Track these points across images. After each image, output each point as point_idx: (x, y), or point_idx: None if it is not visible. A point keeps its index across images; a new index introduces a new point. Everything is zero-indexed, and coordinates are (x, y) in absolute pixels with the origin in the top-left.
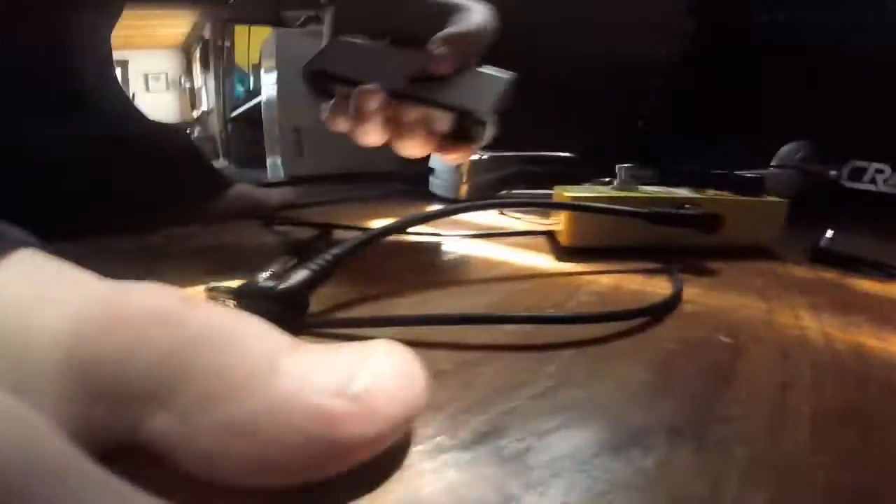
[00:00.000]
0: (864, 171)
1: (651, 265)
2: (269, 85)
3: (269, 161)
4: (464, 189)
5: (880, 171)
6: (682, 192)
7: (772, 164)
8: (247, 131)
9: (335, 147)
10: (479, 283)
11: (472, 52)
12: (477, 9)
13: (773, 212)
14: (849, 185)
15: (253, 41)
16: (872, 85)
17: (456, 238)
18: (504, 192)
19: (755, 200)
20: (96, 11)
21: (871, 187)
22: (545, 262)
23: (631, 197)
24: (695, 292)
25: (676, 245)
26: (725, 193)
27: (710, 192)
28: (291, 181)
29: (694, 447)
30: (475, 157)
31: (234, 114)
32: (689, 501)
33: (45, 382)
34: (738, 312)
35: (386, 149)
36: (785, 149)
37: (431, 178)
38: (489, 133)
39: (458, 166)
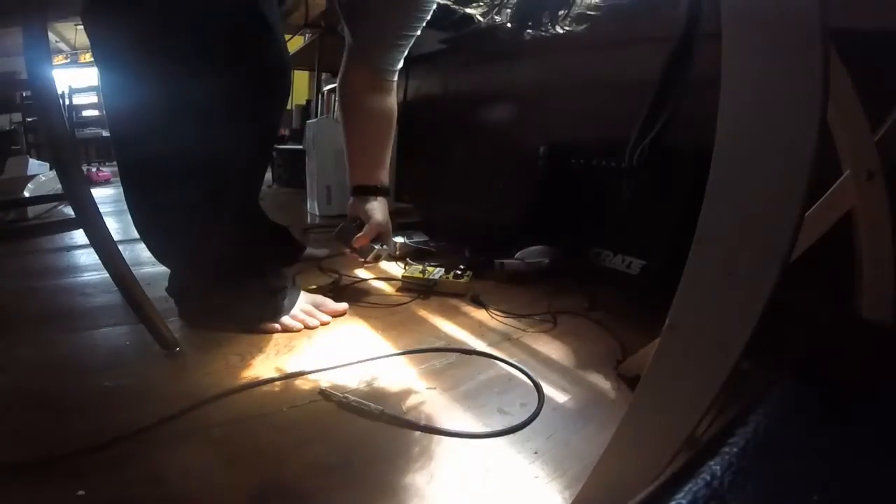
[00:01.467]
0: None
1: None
2: (311, 161)
3: (308, 203)
4: None
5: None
6: (438, 273)
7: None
8: (287, 162)
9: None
10: None
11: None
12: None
13: (458, 284)
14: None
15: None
16: None
17: None
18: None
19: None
20: None
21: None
22: None
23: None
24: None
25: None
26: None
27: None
28: None
29: None
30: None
31: (279, 147)
32: None
33: None
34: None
35: None
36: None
37: None
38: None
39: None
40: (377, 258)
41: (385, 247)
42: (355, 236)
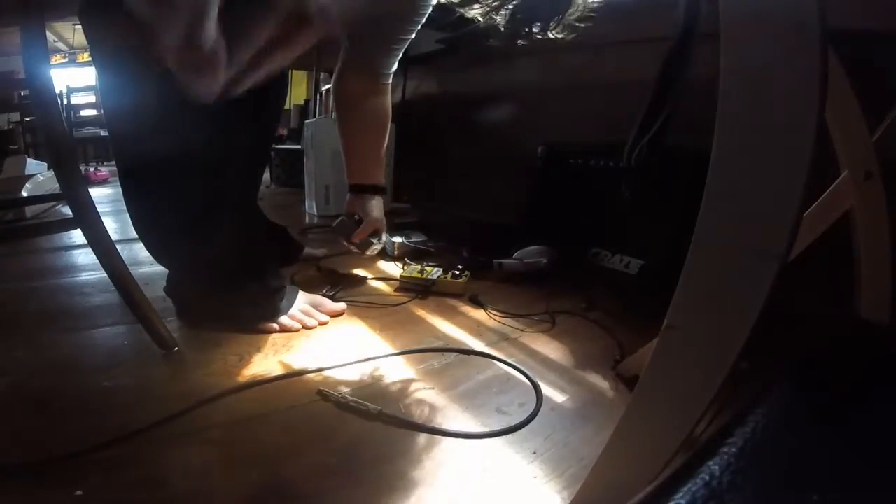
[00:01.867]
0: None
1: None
2: (309, 161)
3: (307, 203)
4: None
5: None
6: (436, 273)
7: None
8: (286, 162)
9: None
10: None
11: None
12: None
13: (456, 284)
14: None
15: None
16: None
17: None
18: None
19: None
20: None
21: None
22: None
23: (414, 273)
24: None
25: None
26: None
27: (445, 274)
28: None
29: None
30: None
31: (277, 147)
32: None
33: None
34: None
35: None
36: (529, 248)
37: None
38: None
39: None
40: (373, 251)
41: (381, 240)
42: (354, 231)
